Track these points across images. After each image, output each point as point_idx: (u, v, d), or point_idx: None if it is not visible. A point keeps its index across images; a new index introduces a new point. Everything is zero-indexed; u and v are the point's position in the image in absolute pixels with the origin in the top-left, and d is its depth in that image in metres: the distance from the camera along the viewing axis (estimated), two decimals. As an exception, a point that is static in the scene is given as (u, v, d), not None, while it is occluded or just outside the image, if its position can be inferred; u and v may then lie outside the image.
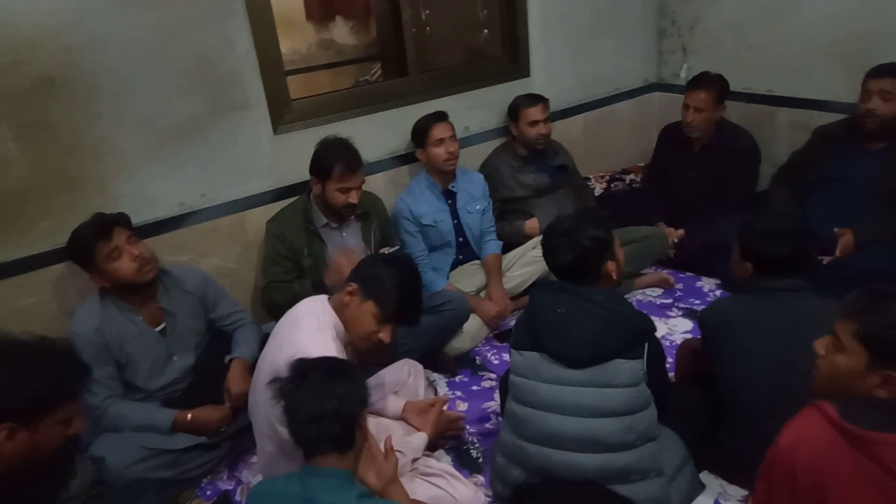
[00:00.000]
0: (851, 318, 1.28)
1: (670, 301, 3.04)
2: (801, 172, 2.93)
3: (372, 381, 2.13)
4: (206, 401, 2.14)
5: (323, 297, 1.91)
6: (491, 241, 3.04)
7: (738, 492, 1.94)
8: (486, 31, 3.71)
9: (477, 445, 2.26)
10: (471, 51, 3.87)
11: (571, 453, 1.70)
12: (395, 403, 2.13)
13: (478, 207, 3.01)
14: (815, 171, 2.85)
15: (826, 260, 2.60)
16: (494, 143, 3.31)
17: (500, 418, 2.32)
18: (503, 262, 3.00)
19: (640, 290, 3.13)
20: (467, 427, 2.33)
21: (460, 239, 3.00)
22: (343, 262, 2.23)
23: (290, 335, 1.80)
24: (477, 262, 3.04)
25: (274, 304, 2.42)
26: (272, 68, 2.62)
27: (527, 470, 1.80)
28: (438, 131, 2.85)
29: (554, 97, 3.29)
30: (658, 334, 1.80)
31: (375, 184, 2.89)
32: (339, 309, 1.84)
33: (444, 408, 2.18)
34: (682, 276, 3.21)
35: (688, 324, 2.84)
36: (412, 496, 1.67)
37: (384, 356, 2.30)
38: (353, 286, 1.81)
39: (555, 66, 3.48)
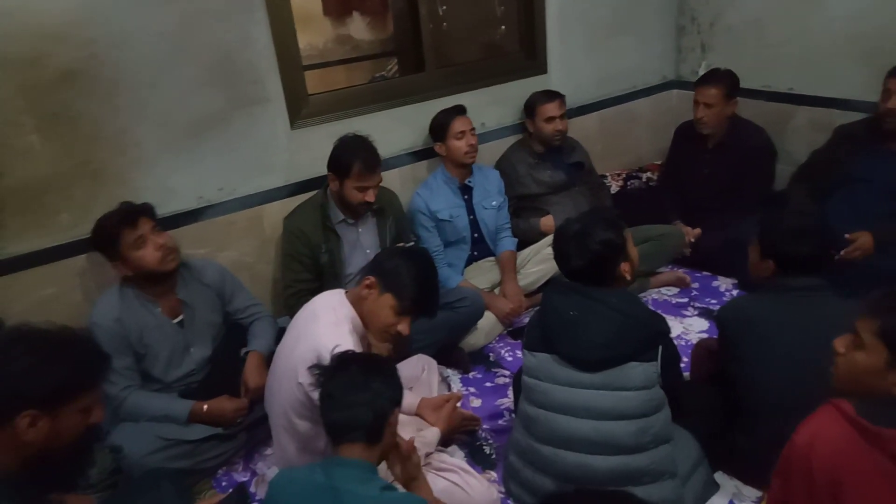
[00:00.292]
0: (874, 316, 1.28)
1: (686, 300, 3.02)
2: (820, 172, 2.90)
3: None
4: (221, 392, 2.16)
5: (340, 291, 1.92)
6: (506, 238, 3.03)
7: (752, 493, 1.93)
8: (503, 26, 3.70)
9: (490, 442, 2.27)
10: (488, 47, 3.86)
11: (585, 455, 1.70)
12: (409, 399, 2.14)
13: (493, 203, 3.01)
14: (834, 171, 2.81)
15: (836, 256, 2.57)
16: (511, 140, 3.31)
17: (513, 415, 2.32)
18: (518, 259, 3.00)
19: (656, 289, 3.11)
20: (482, 425, 2.34)
21: (475, 235, 3.00)
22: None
23: (307, 328, 1.81)
24: (492, 258, 3.04)
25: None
26: (290, 63, 2.63)
27: (539, 470, 1.80)
28: (459, 124, 2.85)
29: (571, 94, 3.28)
30: (673, 334, 1.80)
31: (391, 179, 2.89)
32: (357, 302, 1.85)
33: (458, 404, 2.19)
34: (698, 275, 3.19)
35: (703, 323, 2.82)
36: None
37: (399, 352, 2.30)
38: (371, 279, 1.82)
39: (572, 63, 3.47)
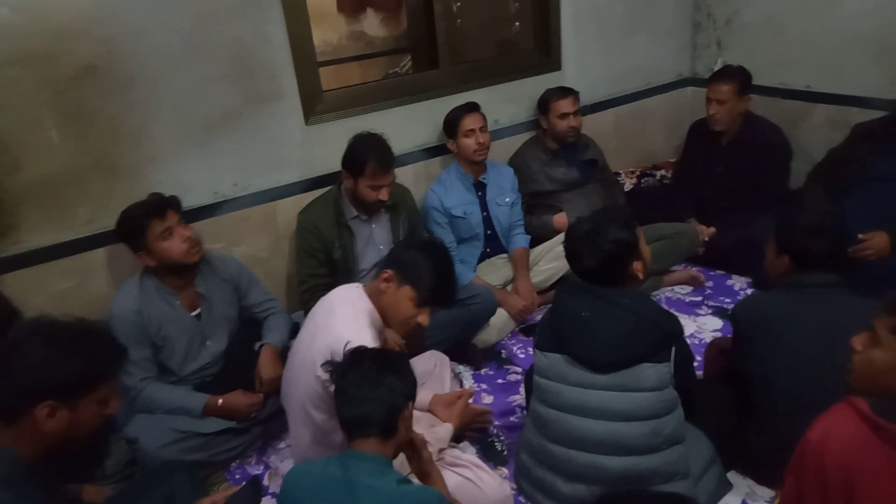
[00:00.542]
0: (891, 313, 1.27)
1: (700, 299, 3.00)
2: (837, 171, 2.86)
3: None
4: (235, 386, 2.18)
5: (358, 285, 1.94)
6: (519, 235, 3.03)
7: (766, 492, 1.92)
8: (517, 23, 3.69)
9: (502, 438, 2.27)
10: (502, 43, 3.85)
11: (596, 455, 1.70)
12: (421, 395, 2.14)
13: (507, 200, 3.01)
14: (852, 170, 2.78)
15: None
16: (524, 137, 3.30)
17: (524, 412, 2.32)
18: (531, 257, 3.00)
19: (669, 288, 3.09)
20: (493, 421, 2.34)
21: (489, 232, 3.00)
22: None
23: (325, 322, 1.82)
24: (504, 255, 3.04)
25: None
26: (305, 60, 2.64)
27: (551, 469, 1.80)
28: (469, 122, 2.85)
29: (585, 91, 3.27)
30: (687, 333, 1.78)
31: (404, 175, 2.90)
32: (375, 296, 1.86)
33: (470, 401, 2.20)
34: (712, 273, 3.17)
35: (717, 322, 2.81)
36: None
37: (412, 347, 2.31)
38: (389, 272, 1.83)
39: (586, 60, 3.45)
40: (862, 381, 1.32)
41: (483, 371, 2.66)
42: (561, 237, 3.01)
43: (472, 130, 2.85)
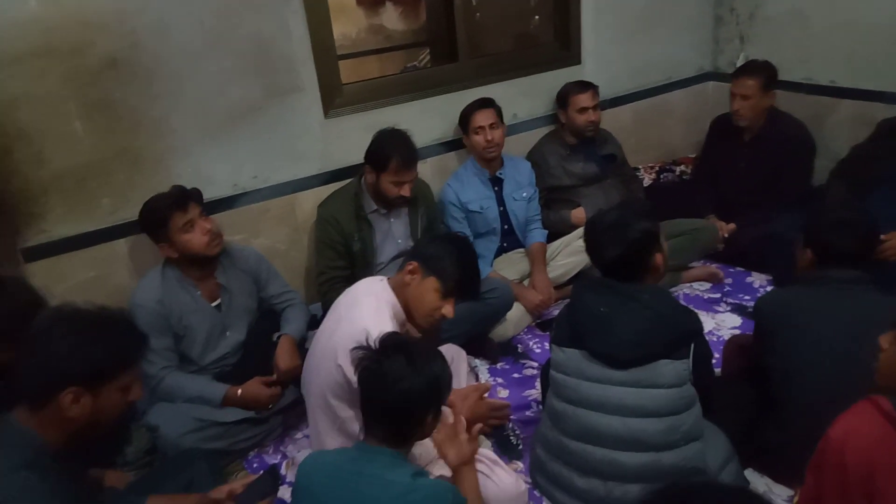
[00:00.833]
0: None
1: (718, 296, 2.97)
2: (861, 168, 2.82)
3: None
4: (254, 375, 2.20)
5: (382, 278, 1.95)
6: (536, 230, 3.02)
7: (784, 491, 1.90)
8: (536, 17, 3.67)
9: (517, 433, 2.27)
10: (521, 37, 3.83)
11: (613, 451, 1.70)
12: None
13: (524, 195, 3.00)
14: (876, 167, 2.74)
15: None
16: (543, 131, 3.29)
17: (540, 407, 2.32)
18: (548, 251, 2.99)
19: (688, 284, 3.07)
20: (511, 415, 2.34)
21: (505, 226, 3.00)
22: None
23: (349, 312, 1.84)
24: (521, 250, 3.03)
25: (331, 302, 2.47)
26: (325, 53, 2.65)
27: (567, 464, 1.80)
28: (479, 118, 2.84)
29: (605, 85, 3.25)
30: (705, 330, 1.77)
31: (423, 169, 2.89)
32: (399, 289, 1.87)
33: (486, 395, 2.20)
34: (731, 270, 3.14)
35: (736, 319, 2.78)
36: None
37: (430, 341, 2.32)
38: (414, 264, 1.84)
39: (606, 54, 3.43)
40: (888, 378, 1.31)
41: (499, 365, 2.66)
42: (579, 232, 3.01)
43: (482, 127, 2.84)
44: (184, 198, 2.14)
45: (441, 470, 1.76)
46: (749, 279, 3.07)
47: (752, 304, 2.83)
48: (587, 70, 3.37)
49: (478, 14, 3.59)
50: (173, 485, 1.79)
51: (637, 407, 1.66)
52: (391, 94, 2.89)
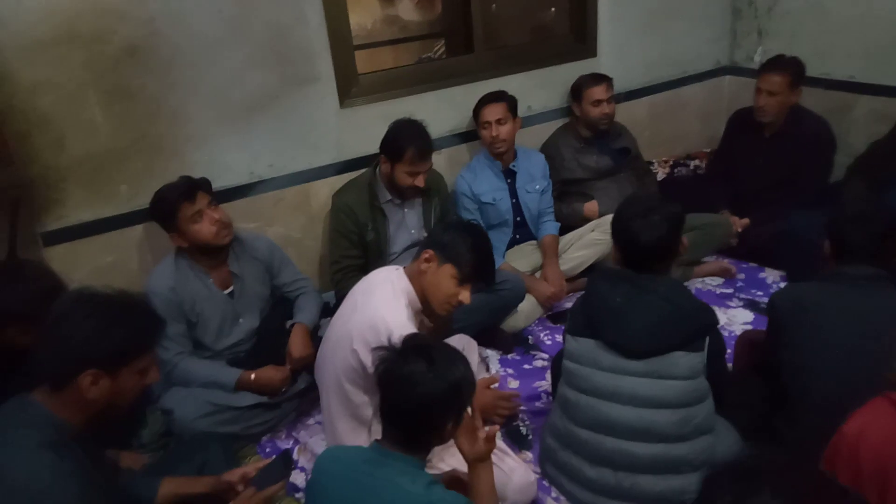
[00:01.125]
0: None
1: (731, 291, 2.96)
2: (879, 164, 2.80)
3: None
4: (268, 362, 2.23)
5: (398, 267, 1.97)
6: (548, 222, 3.02)
7: (793, 486, 1.90)
8: (552, 8, 3.65)
9: (527, 423, 2.29)
10: (537, 29, 3.82)
11: (625, 441, 1.71)
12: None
13: (537, 187, 3.00)
14: (894, 164, 2.71)
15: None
16: (557, 124, 3.28)
17: (550, 398, 2.33)
18: (560, 244, 2.99)
19: (700, 279, 3.06)
20: (521, 405, 2.35)
21: (518, 218, 3.00)
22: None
23: (365, 299, 1.86)
24: (533, 242, 3.03)
25: (345, 290, 2.49)
26: (341, 43, 2.66)
27: (577, 454, 1.81)
28: (486, 113, 2.85)
29: (620, 78, 3.23)
30: (717, 325, 1.77)
31: (437, 160, 2.89)
32: (415, 277, 1.89)
33: (495, 386, 2.21)
34: (744, 266, 3.12)
35: (748, 315, 2.77)
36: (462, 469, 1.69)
37: (441, 331, 2.34)
38: (430, 252, 1.86)
39: (623, 47, 3.41)
40: None
41: (510, 356, 2.67)
42: (591, 225, 3.02)
43: (489, 123, 2.83)
44: (192, 188, 2.15)
45: (452, 459, 1.78)
46: (762, 275, 3.06)
47: (764, 300, 2.83)
48: (603, 63, 3.35)
49: (494, 5, 3.58)
50: (187, 467, 1.81)
51: (650, 397, 1.67)
52: (407, 84, 2.90)
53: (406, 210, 2.64)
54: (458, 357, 1.42)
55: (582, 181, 3.14)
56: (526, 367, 2.61)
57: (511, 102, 2.88)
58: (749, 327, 2.66)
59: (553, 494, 1.94)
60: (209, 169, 2.43)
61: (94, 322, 1.39)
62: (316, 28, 2.58)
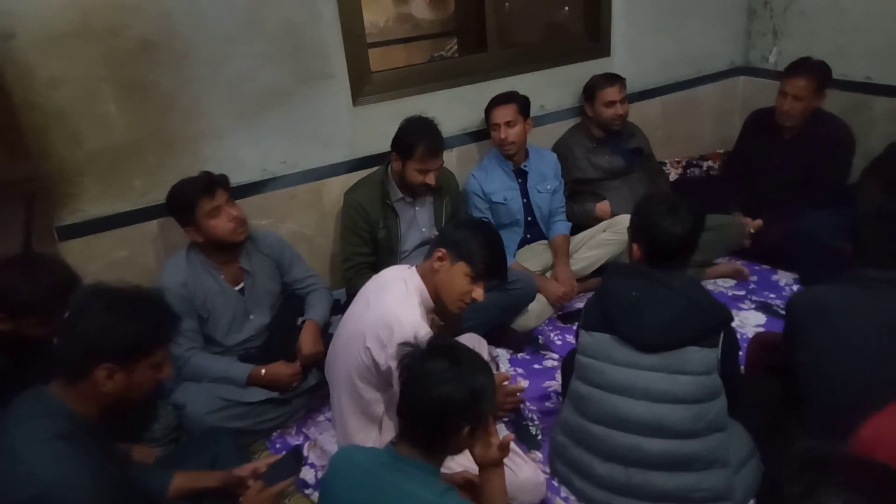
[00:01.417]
0: None
1: (743, 293, 2.95)
2: (895, 166, 2.77)
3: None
4: (279, 358, 2.24)
5: (410, 265, 1.97)
6: (560, 222, 3.02)
7: (805, 490, 1.89)
8: (566, 7, 3.64)
9: (536, 423, 2.28)
10: (550, 28, 3.81)
11: (637, 437, 1.71)
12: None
13: (548, 187, 2.99)
14: (912, 166, 2.69)
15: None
16: (570, 123, 3.27)
17: (560, 398, 2.33)
18: (571, 244, 2.98)
19: (712, 280, 3.04)
20: (527, 403, 2.35)
21: (529, 218, 3.00)
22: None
23: (377, 297, 1.86)
24: (544, 241, 3.03)
25: (356, 288, 2.49)
26: (355, 40, 2.66)
27: (588, 449, 1.81)
28: (496, 115, 2.84)
29: (633, 77, 3.22)
30: (729, 326, 1.76)
31: (449, 159, 2.90)
32: (427, 276, 1.89)
33: (505, 383, 2.21)
34: (757, 268, 3.10)
35: (760, 317, 2.75)
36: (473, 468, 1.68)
37: (452, 330, 2.34)
38: (442, 251, 1.86)
39: (637, 46, 3.40)
40: None
41: (520, 356, 2.67)
42: (603, 225, 3.01)
43: (498, 125, 2.83)
44: (211, 184, 2.16)
45: (463, 458, 1.78)
46: (775, 277, 3.04)
47: (777, 302, 2.81)
48: (616, 62, 3.34)
49: (507, 4, 3.58)
50: (199, 461, 1.82)
51: (663, 392, 1.67)
52: (420, 82, 2.90)
53: (417, 208, 2.64)
54: (484, 367, 1.40)
55: (594, 181, 3.13)
56: (536, 366, 2.61)
57: (522, 103, 2.87)
58: (761, 329, 2.64)
59: (563, 494, 1.93)
60: (222, 165, 2.44)
61: (111, 316, 1.40)
62: (329, 25, 2.58)
